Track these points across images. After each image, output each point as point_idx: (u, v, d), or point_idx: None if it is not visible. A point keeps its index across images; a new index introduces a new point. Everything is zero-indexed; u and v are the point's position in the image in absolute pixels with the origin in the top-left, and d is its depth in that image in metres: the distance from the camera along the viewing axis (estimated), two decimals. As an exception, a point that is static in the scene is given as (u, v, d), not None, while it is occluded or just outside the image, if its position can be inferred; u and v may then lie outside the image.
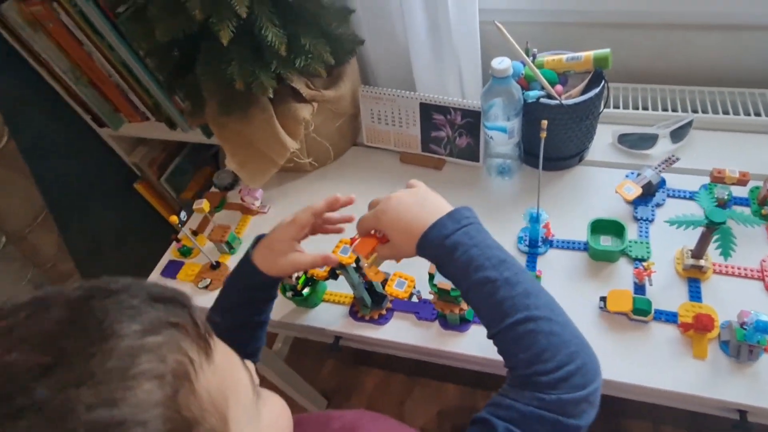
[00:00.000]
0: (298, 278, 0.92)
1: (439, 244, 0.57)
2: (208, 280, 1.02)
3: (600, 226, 0.89)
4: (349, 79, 1.10)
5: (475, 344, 0.84)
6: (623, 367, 0.77)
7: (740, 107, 1.02)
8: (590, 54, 0.92)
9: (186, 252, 1.07)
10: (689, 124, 0.98)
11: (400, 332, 0.88)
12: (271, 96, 0.93)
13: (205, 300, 0.99)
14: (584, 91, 0.92)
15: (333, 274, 0.89)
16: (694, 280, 0.83)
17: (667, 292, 0.82)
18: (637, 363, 0.77)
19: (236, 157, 1.06)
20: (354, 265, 0.82)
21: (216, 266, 1.04)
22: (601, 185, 0.99)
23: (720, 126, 1.01)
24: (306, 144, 1.10)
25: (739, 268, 0.82)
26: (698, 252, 0.82)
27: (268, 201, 1.15)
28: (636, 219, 0.92)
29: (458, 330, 0.85)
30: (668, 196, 0.93)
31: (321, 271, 0.88)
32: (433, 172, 1.11)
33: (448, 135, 1.06)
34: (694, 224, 0.77)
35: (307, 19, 0.94)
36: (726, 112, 1.01)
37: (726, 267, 0.83)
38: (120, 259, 1.64)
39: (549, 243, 0.92)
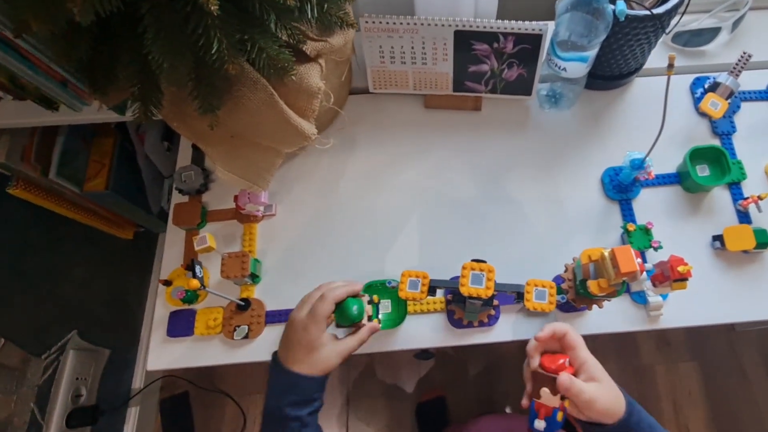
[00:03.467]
0: (369, 316, 0.71)
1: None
2: (246, 327, 0.77)
3: (695, 155, 0.80)
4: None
5: (598, 320, 0.76)
6: (753, 306, 0.75)
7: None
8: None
9: (191, 298, 0.78)
10: (747, 5, 0.87)
11: (516, 327, 0.76)
12: (294, 74, 0.62)
13: (248, 353, 0.76)
14: None
15: (432, 291, 0.71)
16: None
17: None
18: (765, 296, 0.76)
19: (229, 162, 0.73)
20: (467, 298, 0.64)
21: (245, 306, 0.78)
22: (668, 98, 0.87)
23: None
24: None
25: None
26: (800, 165, 0.78)
27: (271, 198, 0.86)
28: (717, 134, 0.84)
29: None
30: (742, 100, 0.86)
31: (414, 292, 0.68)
32: (470, 116, 0.90)
33: (493, 68, 0.83)
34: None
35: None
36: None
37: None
38: (39, 300, 1.20)
39: (640, 184, 0.82)
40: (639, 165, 0.76)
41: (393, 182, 0.86)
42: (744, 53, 0.82)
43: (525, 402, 0.60)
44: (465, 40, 0.80)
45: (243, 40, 0.57)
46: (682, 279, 0.67)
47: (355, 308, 0.66)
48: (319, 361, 0.62)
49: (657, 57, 0.90)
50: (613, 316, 0.76)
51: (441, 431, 1.37)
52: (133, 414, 1.51)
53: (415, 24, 0.78)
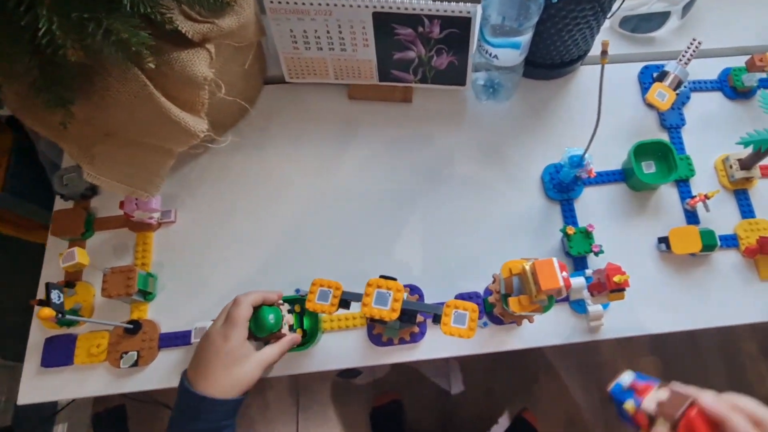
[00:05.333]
0: (290, 326, 0.63)
1: None
2: (134, 354, 0.67)
3: (640, 151, 0.72)
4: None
5: (534, 332, 0.68)
6: (702, 313, 0.69)
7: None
8: None
9: (69, 322, 0.67)
10: (697, -11, 0.80)
11: (444, 344, 0.68)
12: (152, 62, 0.51)
13: (139, 382, 0.66)
14: None
15: (344, 304, 0.63)
16: (741, 192, 0.74)
17: (717, 211, 0.72)
18: (714, 302, 0.69)
19: (108, 166, 0.62)
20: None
21: (134, 329, 0.68)
22: (614, 88, 0.80)
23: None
24: (211, 104, 0.70)
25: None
26: (751, 163, 0.72)
27: (169, 203, 0.75)
28: (665, 127, 0.77)
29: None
30: (691, 90, 0.79)
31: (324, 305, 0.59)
32: (401, 107, 0.81)
33: (420, 55, 0.74)
34: (776, 142, 0.64)
35: None
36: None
37: (771, 169, 0.74)
38: None
39: (582, 182, 0.74)
40: (578, 162, 0.68)
41: (313, 181, 0.76)
42: (694, 40, 0.75)
43: None
44: (386, 24, 0.70)
45: (83, 19, 0.46)
46: (620, 289, 0.60)
47: (271, 317, 0.59)
48: (238, 376, 0.54)
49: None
50: (550, 327, 0.68)
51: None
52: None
53: (327, 5, 0.68)
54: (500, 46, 0.67)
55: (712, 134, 0.76)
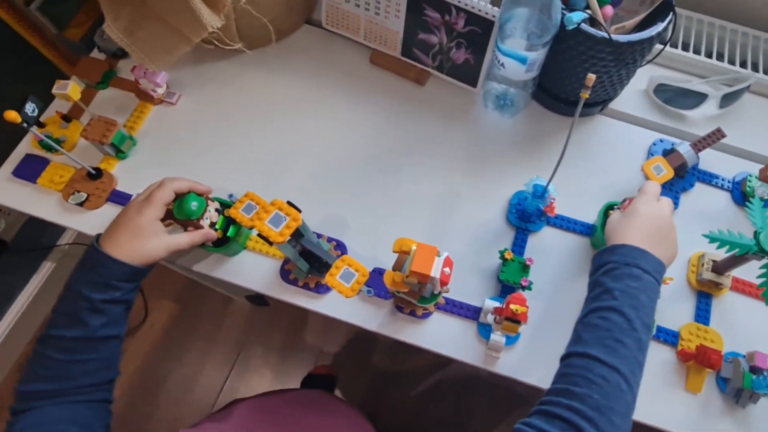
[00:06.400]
0: (213, 223, 0.66)
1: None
2: (84, 195, 0.73)
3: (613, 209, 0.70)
4: None
5: (432, 334, 0.67)
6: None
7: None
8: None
9: (49, 146, 0.75)
10: (747, 86, 0.76)
11: (343, 309, 0.68)
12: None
13: (81, 222, 0.73)
14: (641, 25, 0.65)
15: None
16: (705, 296, 0.68)
17: (672, 304, 0.68)
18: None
19: (121, 21, 0.70)
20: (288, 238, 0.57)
21: (96, 175, 0.74)
22: (622, 147, 0.77)
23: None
24: (236, 18, 0.76)
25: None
26: (723, 268, 0.66)
27: (178, 87, 0.82)
28: None
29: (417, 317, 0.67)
30: (698, 179, 0.74)
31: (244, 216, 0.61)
32: (411, 87, 0.83)
33: (441, 42, 0.76)
34: (741, 248, 0.59)
35: None
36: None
37: (747, 285, 0.69)
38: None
39: (546, 219, 0.72)
40: (541, 193, 0.66)
41: (309, 121, 0.80)
42: (719, 130, 0.71)
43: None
44: (418, 1, 0.73)
45: None
46: (514, 320, 0.58)
47: (194, 204, 0.62)
48: (142, 248, 0.58)
49: (631, 102, 0.81)
50: (452, 338, 0.67)
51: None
52: (46, 268, 1.50)
53: (375, -36, 0.73)
54: (508, 55, 0.67)
55: (703, 229, 0.71)
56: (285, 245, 0.58)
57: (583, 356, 0.48)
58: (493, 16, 0.68)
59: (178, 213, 0.62)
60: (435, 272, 0.51)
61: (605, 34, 0.63)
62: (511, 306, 0.57)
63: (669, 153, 0.71)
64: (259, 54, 0.84)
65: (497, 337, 0.64)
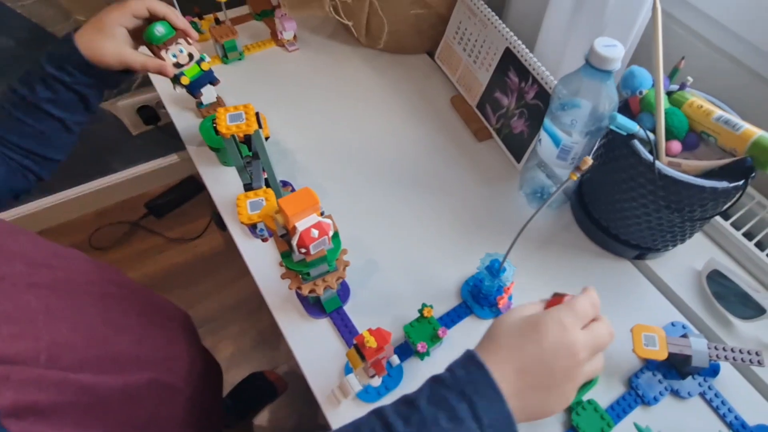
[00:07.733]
0: (180, 65, 0.65)
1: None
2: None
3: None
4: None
5: (305, 333, 0.63)
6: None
7: None
8: (755, 132, 0.57)
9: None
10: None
11: (257, 256, 0.69)
12: None
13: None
14: (707, 175, 0.58)
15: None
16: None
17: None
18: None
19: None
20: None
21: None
22: (636, 312, 0.66)
23: None
24: (370, 14, 0.87)
25: None
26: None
27: (304, 44, 0.96)
28: (629, 385, 0.60)
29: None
30: (701, 394, 0.59)
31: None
32: (469, 138, 0.84)
33: (509, 106, 0.77)
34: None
35: None
36: None
37: None
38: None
39: (497, 311, 0.65)
40: (496, 271, 0.61)
41: (371, 126, 0.85)
42: (758, 354, 0.57)
43: None
44: (507, 63, 0.76)
45: None
46: (360, 352, 0.51)
47: (160, 29, 0.61)
48: (94, 44, 0.58)
49: (675, 273, 0.70)
50: (318, 354, 0.61)
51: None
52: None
53: (489, 19, 0.78)
54: (547, 131, 0.65)
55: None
56: (230, 143, 0.57)
57: None
58: (551, 89, 0.68)
59: (144, 35, 0.62)
60: (300, 223, 0.44)
61: (651, 160, 0.58)
62: (364, 334, 0.49)
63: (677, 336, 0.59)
64: (373, 55, 0.95)
65: (353, 379, 0.54)
